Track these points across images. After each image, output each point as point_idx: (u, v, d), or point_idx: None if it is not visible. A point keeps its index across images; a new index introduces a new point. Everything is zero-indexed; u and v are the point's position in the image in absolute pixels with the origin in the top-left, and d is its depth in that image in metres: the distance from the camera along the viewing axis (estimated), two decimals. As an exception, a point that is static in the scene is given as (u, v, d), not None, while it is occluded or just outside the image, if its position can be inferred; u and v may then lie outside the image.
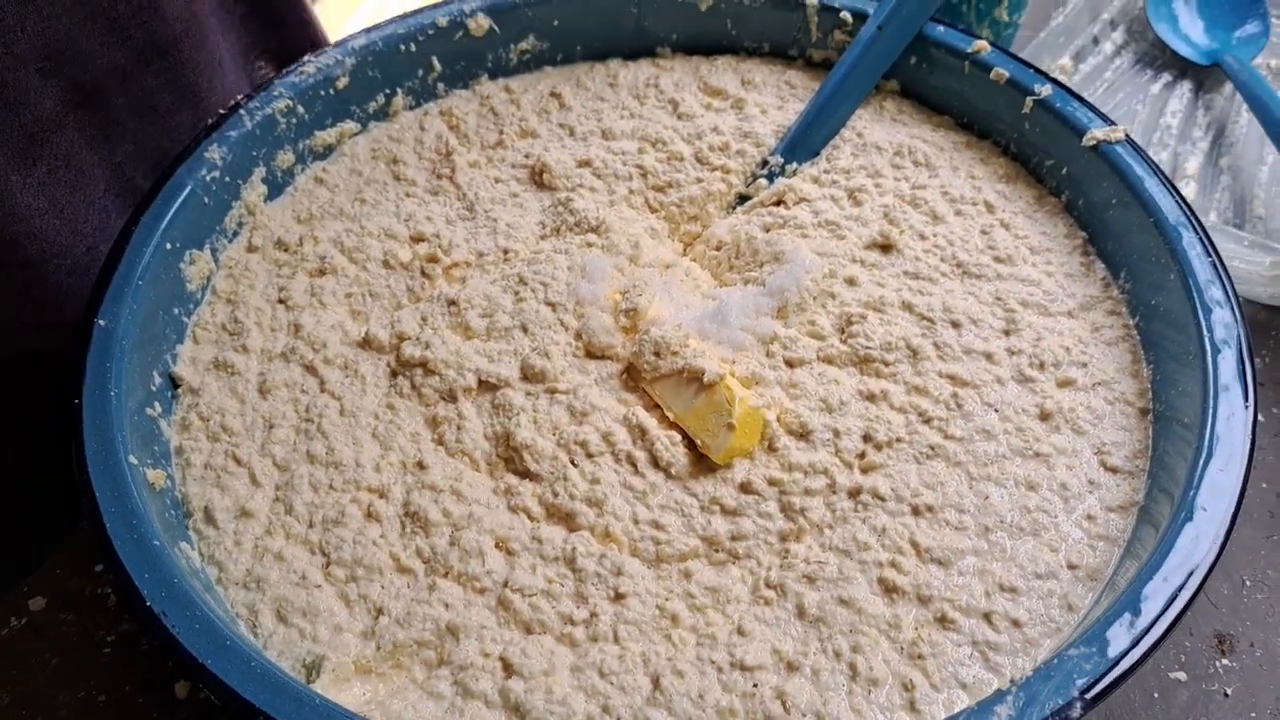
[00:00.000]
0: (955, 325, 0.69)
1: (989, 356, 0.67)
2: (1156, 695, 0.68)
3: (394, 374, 0.68)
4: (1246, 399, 0.58)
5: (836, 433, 0.64)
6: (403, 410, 0.66)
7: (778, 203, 0.78)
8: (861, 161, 0.79)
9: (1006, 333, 0.69)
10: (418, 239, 0.75)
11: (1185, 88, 1.03)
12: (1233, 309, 0.62)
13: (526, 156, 0.81)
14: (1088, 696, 0.48)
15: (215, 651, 0.49)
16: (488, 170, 0.80)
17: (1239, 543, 0.74)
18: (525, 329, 0.69)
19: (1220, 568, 0.74)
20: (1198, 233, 0.65)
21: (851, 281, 0.71)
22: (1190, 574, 0.52)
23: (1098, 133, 0.72)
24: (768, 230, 0.75)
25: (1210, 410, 0.58)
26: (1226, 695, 0.68)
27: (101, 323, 0.61)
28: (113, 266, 0.64)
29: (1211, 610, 0.72)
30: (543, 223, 0.76)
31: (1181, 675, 0.69)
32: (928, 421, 0.64)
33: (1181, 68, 1.04)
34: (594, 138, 0.82)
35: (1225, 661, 0.70)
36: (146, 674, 0.70)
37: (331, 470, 0.63)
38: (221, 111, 0.74)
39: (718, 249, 0.76)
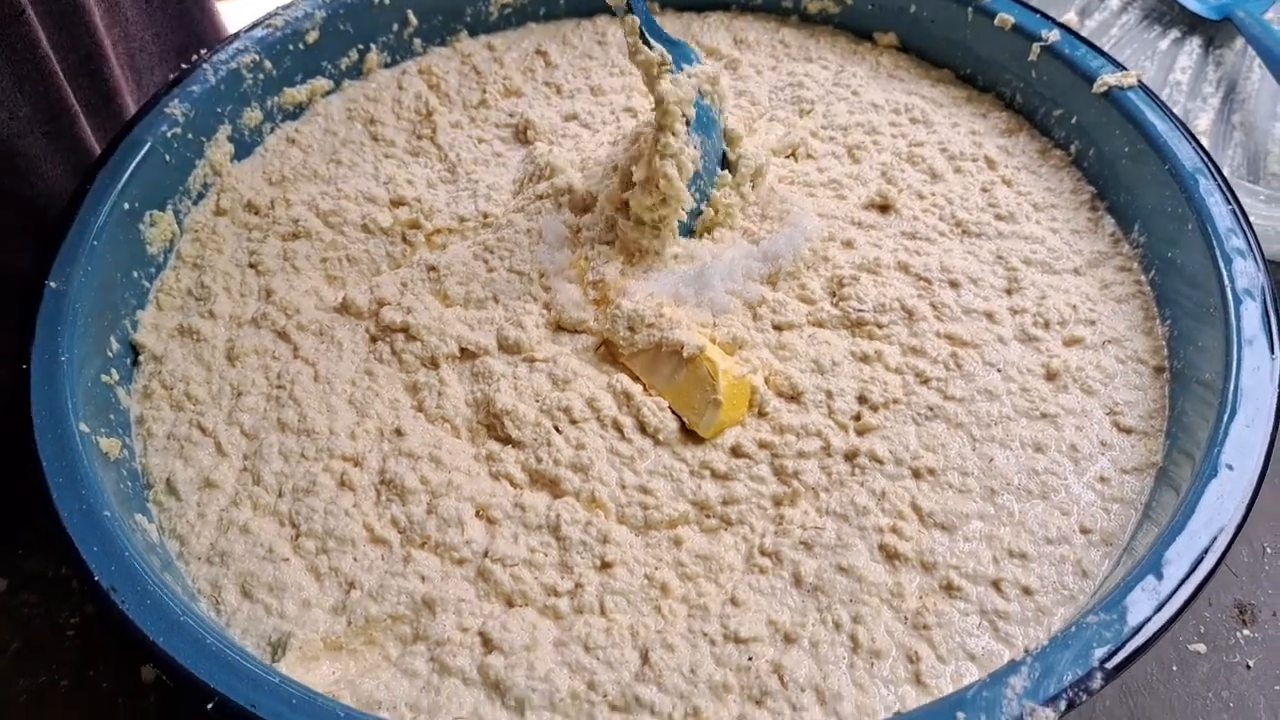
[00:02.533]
0: (954, 285, 0.65)
1: (990, 316, 0.64)
2: (1175, 668, 0.65)
3: (373, 340, 0.64)
4: (1274, 351, 0.54)
5: (829, 394, 0.60)
6: (382, 376, 0.62)
7: (790, 155, 0.74)
8: (858, 118, 0.76)
9: (1008, 291, 0.65)
10: (398, 203, 0.71)
11: (1195, 43, 0.99)
12: (1256, 259, 0.58)
13: (511, 115, 0.77)
14: (1108, 667, 0.44)
15: (167, 629, 0.46)
16: (470, 130, 0.76)
17: (1259, 509, 0.70)
18: (497, 299, 0.65)
19: (1240, 535, 0.70)
20: (1216, 180, 0.62)
21: (849, 244, 0.67)
22: (1216, 535, 0.48)
23: (1109, 78, 0.68)
24: (781, 182, 0.71)
25: (1234, 364, 0.54)
26: (1249, 667, 0.65)
27: (53, 285, 0.58)
28: (66, 226, 0.60)
29: (1231, 579, 0.69)
30: (515, 179, 0.73)
31: (1201, 647, 0.66)
32: (925, 382, 0.61)
33: (1190, 23, 1.00)
34: (582, 94, 0.78)
35: (1246, 632, 0.67)
36: (112, 657, 0.67)
37: (303, 438, 0.59)
38: (184, 66, 0.70)
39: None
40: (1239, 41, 0.98)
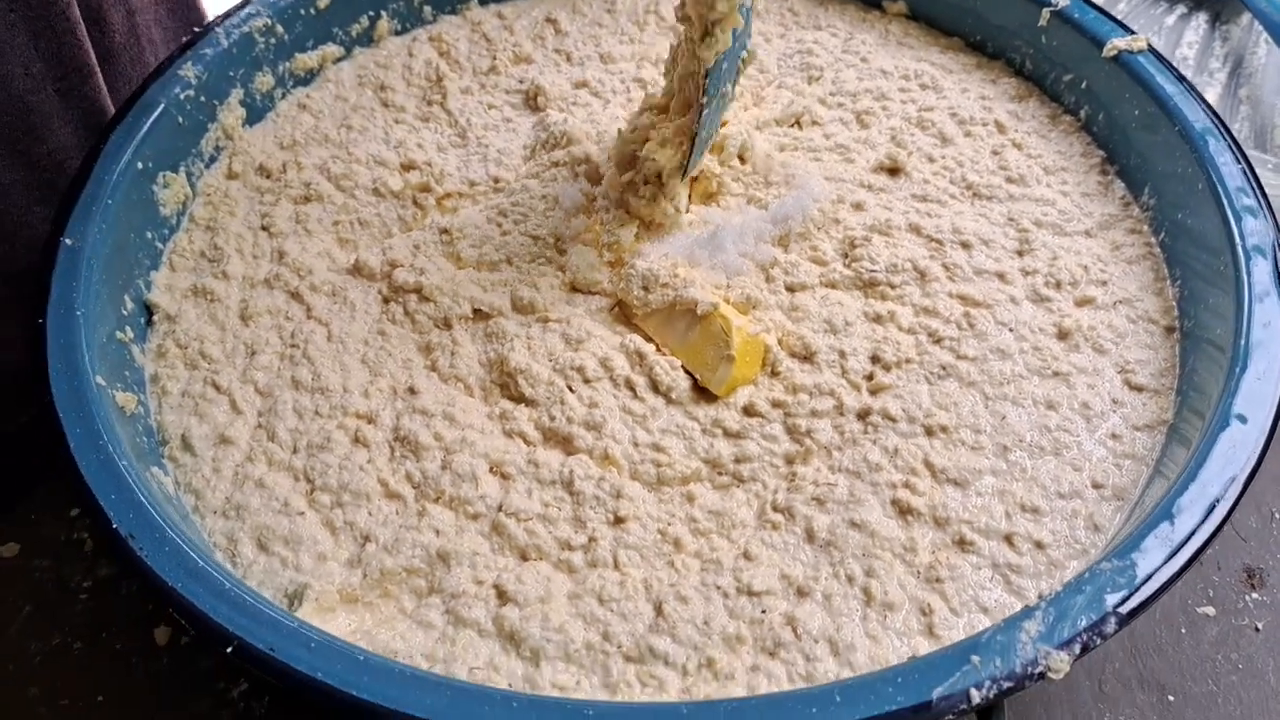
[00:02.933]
0: (965, 246, 0.65)
1: (1001, 277, 0.64)
2: (1184, 631, 0.65)
3: (386, 301, 0.64)
4: (1285, 304, 0.55)
5: (842, 354, 0.60)
6: (394, 337, 0.62)
7: (794, 123, 0.74)
8: (867, 85, 0.76)
9: (1020, 253, 0.65)
10: (408, 167, 0.71)
11: (1201, 19, 0.99)
12: (1266, 216, 0.58)
13: (521, 82, 0.77)
14: (1122, 612, 0.45)
15: (186, 575, 0.46)
16: (480, 96, 0.77)
17: (1269, 473, 0.71)
18: (511, 261, 0.65)
19: (1249, 499, 0.71)
20: (1226, 140, 0.62)
21: (859, 206, 0.68)
22: (1228, 485, 0.48)
23: (1119, 42, 0.68)
24: (782, 150, 0.72)
25: (1245, 318, 0.54)
26: (1258, 630, 0.65)
27: (68, 241, 0.58)
28: (80, 184, 0.60)
29: (1240, 544, 0.69)
30: (527, 145, 0.73)
31: (1210, 610, 0.66)
32: (938, 342, 0.61)
33: (1197, -2, 1.00)
34: (591, 62, 0.78)
35: (1255, 595, 0.67)
36: (125, 620, 0.67)
37: (317, 396, 0.59)
38: (196, 30, 0.70)
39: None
40: (1245, 16, 0.98)
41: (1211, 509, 0.48)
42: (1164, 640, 0.65)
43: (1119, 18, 0.98)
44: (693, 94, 0.62)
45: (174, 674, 0.64)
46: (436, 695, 0.43)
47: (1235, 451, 0.50)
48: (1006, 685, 0.43)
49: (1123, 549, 0.47)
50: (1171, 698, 0.63)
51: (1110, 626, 0.44)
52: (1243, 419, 0.51)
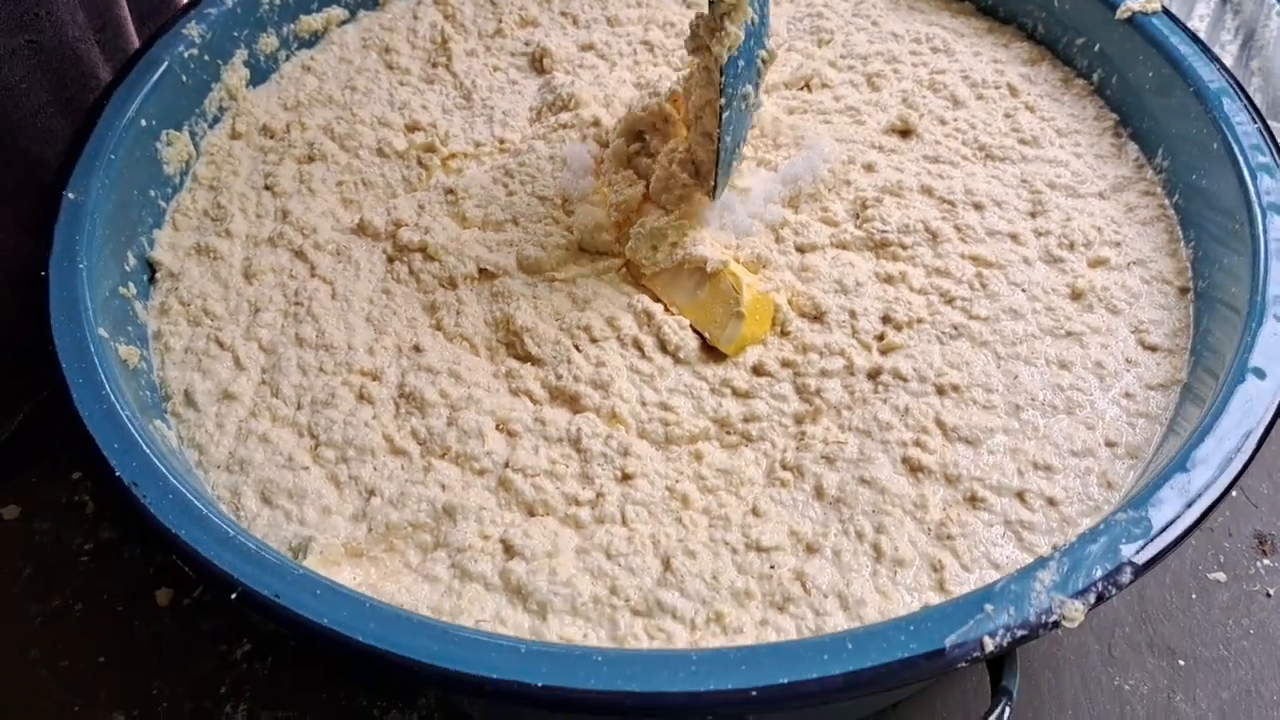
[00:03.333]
0: (978, 208, 0.65)
1: (1014, 238, 0.63)
2: (1195, 596, 0.65)
3: (390, 260, 0.64)
4: (1301, 261, 0.54)
5: (853, 314, 0.60)
6: (399, 295, 0.62)
7: (803, 86, 0.74)
8: (878, 48, 0.75)
9: (1033, 214, 0.65)
10: (413, 128, 0.71)
11: (1212, -9, 0.98)
12: (1281, 174, 0.58)
13: (526, 44, 0.77)
14: (1137, 562, 0.44)
15: (190, 522, 0.46)
16: (485, 59, 0.76)
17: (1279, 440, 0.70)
18: (517, 221, 0.65)
19: (1260, 465, 0.70)
20: (1241, 100, 0.61)
21: (870, 168, 0.67)
22: (1244, 438, 0.48)
23: (1132, 4, 0.68)
24: (791, 114, 0.71)
25: (1262, 275, 0.54)
26: (1269, 595, 0.65)
27: (70, 195, 0.57)
28: (84, 139, 0.60)
29: (1251, 510, 0.68)
30: (533, 107, 0.72)
31: (1221, 576, 0.66)
32: (950, 302, 0.60)
33: (1208, -30, 1.00)
34: (598, 25, 0.78)
35: (1266, 561, 0.66)
36: (127, 582, 0.66)
37: (322, 353, 0.59)
38: (199, -13, 0.69)
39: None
40: (1258, -13, 0.97)
41: (1228, 462, 0.47)
42: (1174, 605, 0.65)
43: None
44: (710, 123, 0.60)
45: (176, 636, 0.64)
46: (444, 641, 0.42)
47: (1252, 405, 0.49)
48: (1020, 634, 0.42)
49: (1138, 500, 0.46)
50: (1182, 662, 0.62)
51: (1125, 576, 0.44)
52: (1259, 373, 0.50)
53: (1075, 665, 0.62)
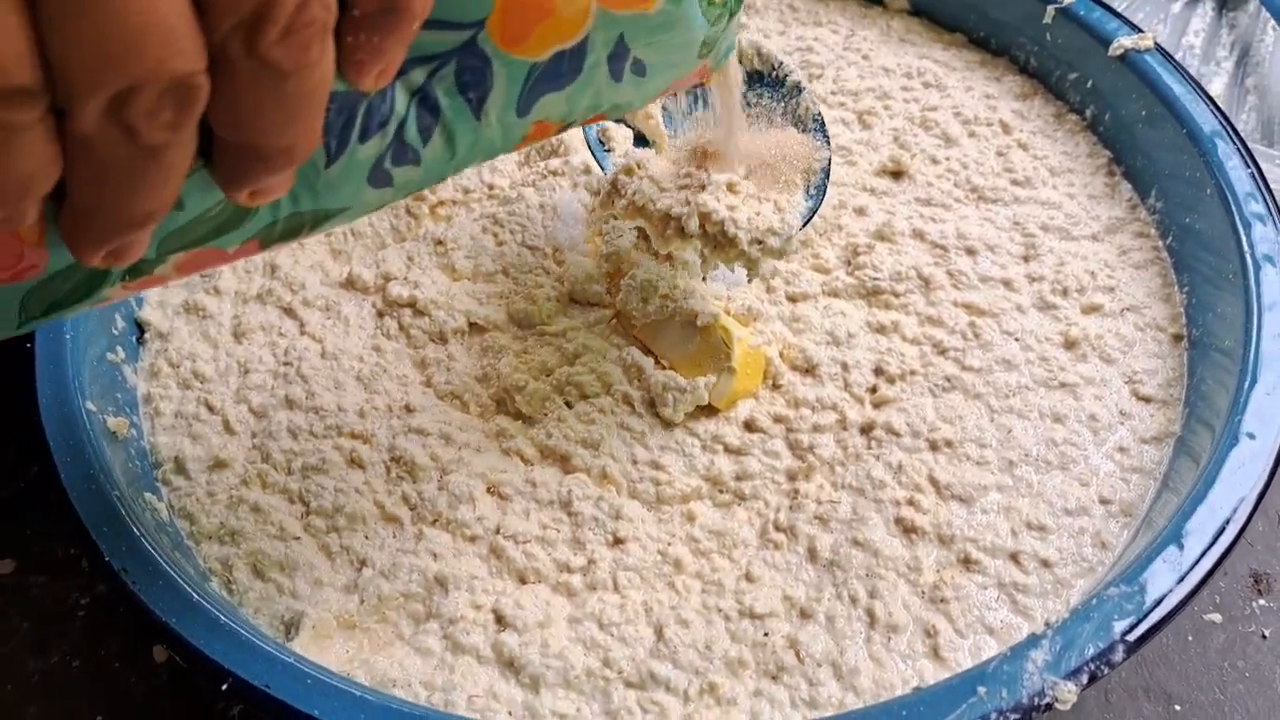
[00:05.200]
0: (970, 252, 0.64)
1: (1007, 284, 0.63)
2: (1191, 638, 0.65)
3: (380, 315, 0.64)
4: (1294, 316, 0.54)
5: (845, 366, 0.60)
6: (389, 352, 0.62)
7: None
8: (869, 83, 0.74)
9: (1026, 258, 0.64)
10: (400, 174, 0.70)
11: (1208, 6, 0.97)
12: (1275, 224, 0.57)
13: (514, 85, 0.76)
14: (1130, 639, 0.44)
15: (180, 609, 0.46)
16: (473, 100, 0.75)
17: (1276, 479, 0.70)
18: (507, 272, 0.64)
19: (1257, 504, 0.70)
20: (1235, 143, 0.61)
21: (861, 211, 0.67)
22: (1237, 506, 0.48)
23: (1125, 41, 0.67)
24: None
25: (1254, 331, 0.53)
26: (1264, 637, 0.65)
27: (57, 262, 0.57)
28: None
29: (1247, 549, 0.68)
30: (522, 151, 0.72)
31: (1217, 617, 0.65)
32: (943, 353, 0.60)
33: (1203, -15, 0.99)
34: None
35: (1262, 602, 0.66)
36: (123, 638, 0.66)
37: (312, 415, 0.59)
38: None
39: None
40: (1253, 4, 0.97)
41: (1221, 531, 0.47)
42: (1170, 649, 0.64)
43: (1125, 4, 0.97)
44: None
45: (172, 692, 0.64)
46: (434, 733, 0.42)
47: (1244, 470, 0.49)
48: (1013, 717, 0.42)
49: (1130, 574, 0.46)
50: (1178, 707, 0.62)
51: (1118, 655, 0.44)
52: (1252, 436, 0.50)
53: (1072, 714, 0.62)
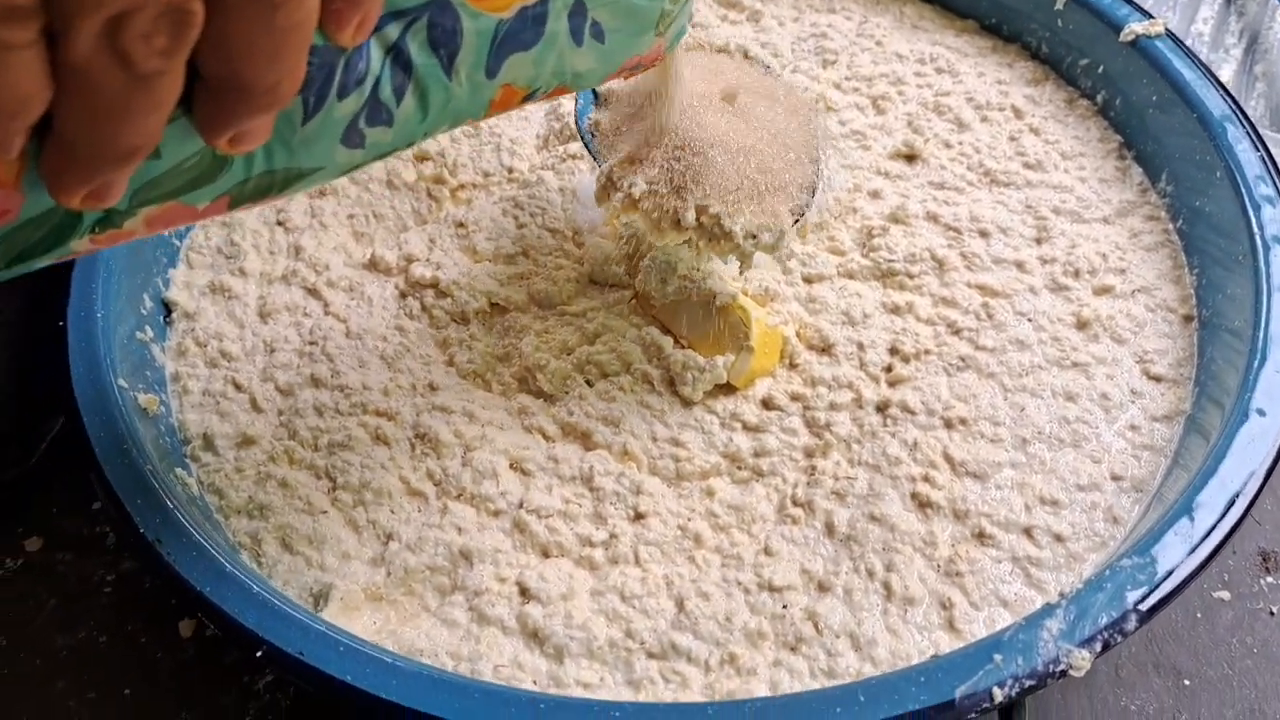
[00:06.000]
0: (984, 235, 0.65)
1: (1020, 265, 0.64)
2: (1199, 615, 0.66)
3: (403, 296, 0.65)
4: (1303, 297, 0.55)
5: (861, 346, 0.61)
6: (412, 332, 0.63)
7: None
8: (883, 69, 0.75)
9: (1038, 241, 0.65)
10: (422, 158, 0.71)
11: (1217, -7, 0.98)
12: (1285, 204, 0.58)
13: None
14: (1142, 609, 0.45)
15: (214, 579, 0.47)
16: (491, 85, 0.76)
17: (1283, 457, 0.71)
18: (527, 254, 0.65)
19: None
20: (1244, 127, 0.62)
21: (876, 195, 0.68)
22: (1247, 480, 0.49)
23: (1136, 27, 0.68)
24: None
25: (1264, 311, 0.54)
26: (1272, 614, 0.66)
27: (88, 242, 0.58)
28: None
29: (1255, 527, 0.69)
30: (540, 134, 0.73)
31: (1225, 594, 0.66)
32: (957, 333, 0.61)
33: (1212, -27, 0.99)
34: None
35: (1270, 579, 0.67)
36: (149, 614, 0.67)
37: (337, 394, 0.60)
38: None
39: None
40: (1262, -10, 0.97)
41: (1231, 504, 0.48)
42: (1180, 625, 0.65)
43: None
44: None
45: (199, 667, 0.65)
46: (465, 698, 0.43)
47: (1254, 446, 0.50)
48: (1029, 683, 0.43)
49: (1143, 545, 0.47)
50: (1187, 682, 0.63)
51: (1131, 624, 0.45)
52: (1262, 413, 0.51)
53: (1084, 686, 0.63)
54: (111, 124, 0.29)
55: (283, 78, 0.30)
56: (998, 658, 0.44)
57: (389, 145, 0.41)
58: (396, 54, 0.38)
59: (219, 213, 0.39)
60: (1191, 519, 0.47)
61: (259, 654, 0.45)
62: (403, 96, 0.39)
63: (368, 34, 0.33)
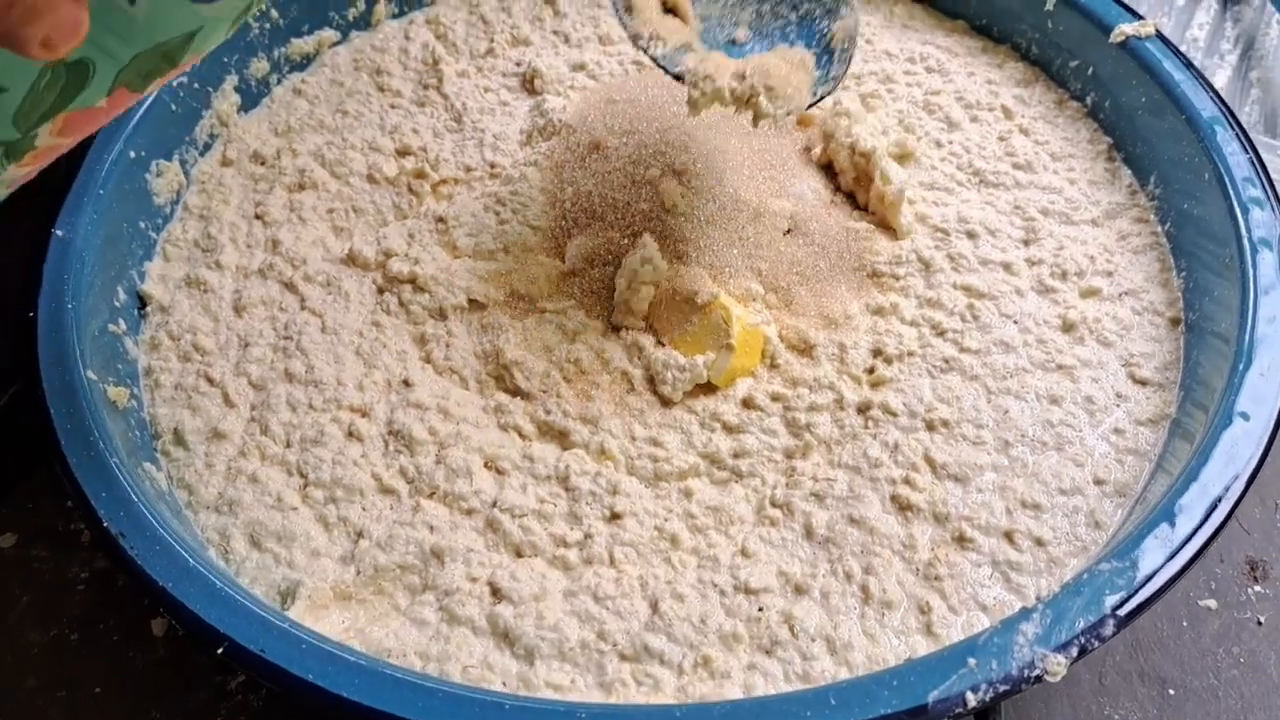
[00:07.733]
0: (971, 236, 0.65)
1: (1007, 267, 0.63)
2: (1186, 624, 0.65)
3: (380, 291, 0.64)
4: (1289, 300, 0.54)
5: (842, 347, 0.60)
6: (389, 328, 0.62)
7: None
8: (872, 67, 0.75)
9: (1026, 242, 0.65)
10: (404, 152, 0.71)
11: (1212, 0, 0.98)
12: (1273, 208, 0.57)
13: (518, 64, 0.76)
14: (1120, 614, 0.44)
15: (177, 575, 0.46)
16: (477, 79, 0.76)
17: (1271, 465, 0.70)
18: (508, 250, 0.65)
19: (1252, 490, 0.70)
20: (1234, 129, 0.61)
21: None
22: (1230, 484, 0.48)
23: (1126, 28, 0.67)
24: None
25: (1250, 313, 0.54)
26: (1260, 623, 0.65)
27: (59, 233, 0.57)
28: (72, 175, 0.60)
29: (1243, 536, 0.68)
30: (523, 130, 0.72)
31: (1212, 603, 0.65)
32: (941, 334, 0.60)
33: (1208, -23, 0.99)
34: (590, 44, 0.77)
35: (1258, 588, 0.66)
36: (122, 611, 0.67)
37: (311, 389, 0.59)
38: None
39: None
40: (1258, -4, 0.97)
41: (1213, 509, 0.47)
42: (1165, 634, 0.65)
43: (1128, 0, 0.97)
44: None
45: (171, 665, 0.64)
46: (429, 698, 0.42)
47: (1237, 449, 0.49)
48: (1003, 688, 0.42)
49: (1122, 549, 0.46)
50: (1172, 691, 0.63)
51: (1108, 629, 0.44)
52: (1245, 416, 0.50)
53: (1066, 695, 0.62)
54: None
55: None
56: (972, 661, 0.43)
57: None
58: None
59: (128, 102, 0.38)
60: (1172, 523, 0.47)
61: (219, 651, 0.44)
62: None
63: None
